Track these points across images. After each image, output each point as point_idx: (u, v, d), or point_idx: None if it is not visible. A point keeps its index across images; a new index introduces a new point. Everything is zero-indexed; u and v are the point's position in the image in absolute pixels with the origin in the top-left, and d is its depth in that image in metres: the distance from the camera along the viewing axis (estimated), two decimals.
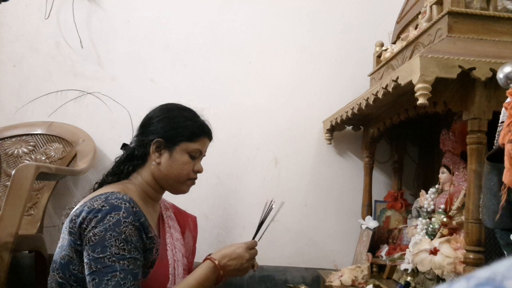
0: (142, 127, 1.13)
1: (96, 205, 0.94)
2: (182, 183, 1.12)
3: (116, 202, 0.94)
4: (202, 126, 1.13)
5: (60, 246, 0.98)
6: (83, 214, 0.93)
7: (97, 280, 0.88)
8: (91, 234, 0.91)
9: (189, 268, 1.20)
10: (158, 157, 1.08)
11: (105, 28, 2.12)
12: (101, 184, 1.09)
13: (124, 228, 0.92)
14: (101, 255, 0.89)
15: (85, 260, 0.91)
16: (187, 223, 1.26)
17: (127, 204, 0.95)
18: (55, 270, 0.97)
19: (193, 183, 1.15)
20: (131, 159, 1.10)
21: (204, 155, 1.17)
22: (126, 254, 0.90)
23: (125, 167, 1.09)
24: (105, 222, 0.91)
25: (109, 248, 0.89)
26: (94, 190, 1.08)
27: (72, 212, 0.98)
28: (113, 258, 0.89)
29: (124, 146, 1.16)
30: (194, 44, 2.12)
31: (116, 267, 0.89)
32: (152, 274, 1.00)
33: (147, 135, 1.09)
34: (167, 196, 1.19)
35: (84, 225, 0.92)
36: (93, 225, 0.91)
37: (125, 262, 0.90)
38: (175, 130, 1.08)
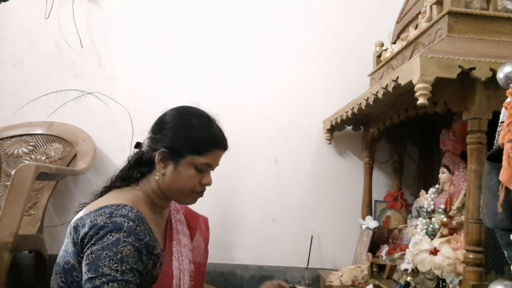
0: (153, 131, 1.06)
1: (99, 221, 0.91)
2: (186, 196, 1.05)
3: (120, 220, 0.91)
4: (213, 137, 1.04)
5: (65, 250, 0.96)
6: (86, 229, 0.91)
7: None
8: (89, 251, 0.89)
9: (202, 271, 1.17)
10: (163, 168, 1.02)
11: (105, 28, 2.12)
12: (109, 188, 1.05)
13: (122, 248, 0.89)
14: (93, 275, 0.87)
15: (82, 276, 0.90)
16: (198, 225, 1.22)
17: (131, 223, 0.91)
18: (57, 273, 0.95)
19: (200, 196, 1.08)
20: (139, 164, 1.06)
21: (217, 166, 1.10)
22: (118, 275, 0.87)
23: (134, 172, 1.05)
24: (104, 240, 0.89)
25: (101, 268, 0.87)
26: (102, 194, 1.04)
27: (76, 217, 0.95)
28: (103, 279, 0.86)
29: (137, 145, 1.09)
30: (194, 44, 2.12)
31: None
32: None
33: (155, 142, 1.03)
34: None
35: (86, 241, 0.91)
36: (92, 242, 0.89)
37: (115, 284, 0.87)
38: (181, 141, 1.01)
